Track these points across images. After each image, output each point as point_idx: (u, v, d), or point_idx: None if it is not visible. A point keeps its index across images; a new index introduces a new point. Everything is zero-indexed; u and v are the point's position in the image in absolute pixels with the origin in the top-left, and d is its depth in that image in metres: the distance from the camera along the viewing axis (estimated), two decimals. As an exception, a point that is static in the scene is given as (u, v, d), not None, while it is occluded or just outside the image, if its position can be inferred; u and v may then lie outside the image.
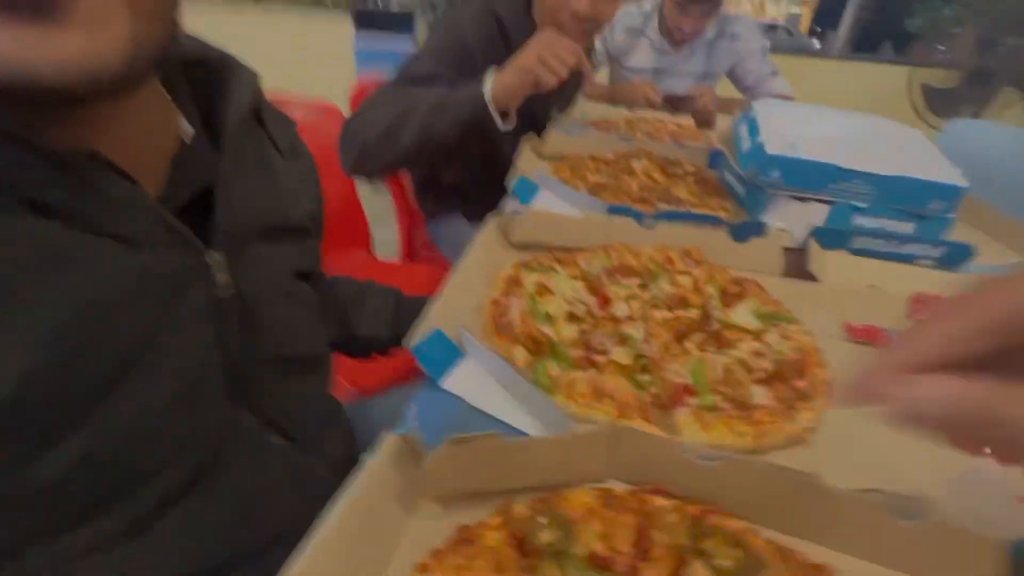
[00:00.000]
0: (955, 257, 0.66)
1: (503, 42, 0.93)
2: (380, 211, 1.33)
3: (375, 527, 0.28)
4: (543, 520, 0.28)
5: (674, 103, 1.38)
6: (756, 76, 1.46)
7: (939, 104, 2.13)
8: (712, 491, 0.31)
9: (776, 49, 1.57)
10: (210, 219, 0.34)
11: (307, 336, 0.46)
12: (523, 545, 0.28)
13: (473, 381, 0.40)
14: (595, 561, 0.27)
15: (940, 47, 2.34)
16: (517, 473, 0.31)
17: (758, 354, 0.44)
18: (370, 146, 0.80)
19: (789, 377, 0.42)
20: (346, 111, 1.00)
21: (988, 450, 0.20)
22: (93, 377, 0.28)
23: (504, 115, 0.78)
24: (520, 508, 0.29)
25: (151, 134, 0.35)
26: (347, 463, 0.38)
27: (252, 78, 0.40)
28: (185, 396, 0.33)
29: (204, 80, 0.38)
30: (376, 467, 0.28)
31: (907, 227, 0.70)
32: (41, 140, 0.26)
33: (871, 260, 0.65)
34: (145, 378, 0.30)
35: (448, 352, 0.41)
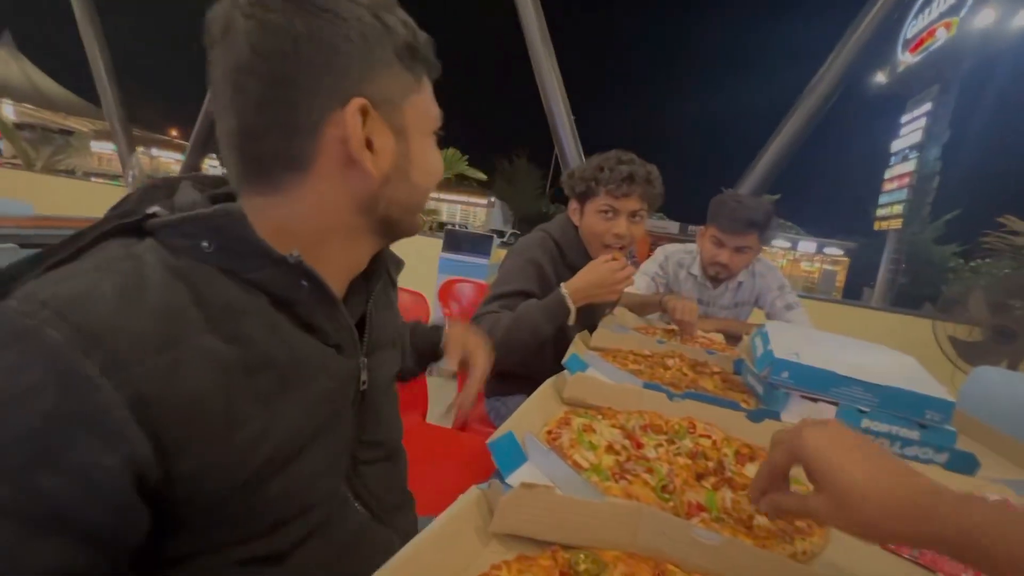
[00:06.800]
0: (959, 464, 0.73)
1: (562, 259, 1.25)
2: (440, 382, 1.53)
3: (453, 552, 0.39)
4: (583, 556, 0.38)
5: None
6: (777, 309, 1.71)
7: (969, 355, 2.26)
8: (712, 568, 0.39)
9: (813, 297, 1.83)
10: (363, 334, 0.51)
11: (395, 426, 0.58)
12: (566, 573, 0.37)
13: (531, 478, 0.52)
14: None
15: (965, 307, 2.58)
16: (564, 527, 0.42)
17: (763, 496, 0.54)
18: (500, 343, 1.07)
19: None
20: (431, 299, 1.52)
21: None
22: (298, 441, 0.41)
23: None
24: (566, 551, 0.39)
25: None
26: None
27: (394, 256, 0.60)
28: (331, 466, 0.45)
29: None
30: (458, 507, 0.40)
31: (913, 434, 0.79)
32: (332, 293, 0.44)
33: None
34: (319, 448, 0.43)
35: (515, 454, 0.54)
